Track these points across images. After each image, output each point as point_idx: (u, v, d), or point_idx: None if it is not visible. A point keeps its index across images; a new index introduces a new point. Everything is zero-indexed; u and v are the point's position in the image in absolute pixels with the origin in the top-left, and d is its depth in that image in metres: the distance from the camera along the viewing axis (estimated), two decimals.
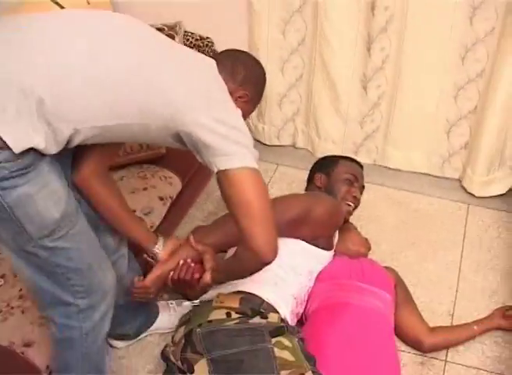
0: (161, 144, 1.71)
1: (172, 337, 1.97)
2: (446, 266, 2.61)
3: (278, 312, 1.96)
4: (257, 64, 1.90)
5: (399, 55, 2.74)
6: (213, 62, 1.69)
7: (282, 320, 1.95)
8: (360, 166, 2.53)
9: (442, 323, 2.36)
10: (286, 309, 2.03)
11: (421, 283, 2.52)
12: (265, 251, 1.61)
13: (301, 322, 2.19)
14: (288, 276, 2.10)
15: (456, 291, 2.50)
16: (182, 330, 1.92)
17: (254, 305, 1.93)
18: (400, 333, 2.27)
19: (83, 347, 1.79)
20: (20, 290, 2.00)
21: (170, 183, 2.48)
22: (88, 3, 2.41)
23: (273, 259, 1.64)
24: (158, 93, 1.53)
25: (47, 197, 1.51)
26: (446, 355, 2.26)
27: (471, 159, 2.88)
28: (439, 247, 2.70)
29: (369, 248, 2.48)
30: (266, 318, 1.90)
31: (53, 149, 1.49)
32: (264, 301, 1.97)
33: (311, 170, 2.55)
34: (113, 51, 1.51)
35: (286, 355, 1.79)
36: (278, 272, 2.06)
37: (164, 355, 1.95)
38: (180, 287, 2.02)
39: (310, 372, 1.77)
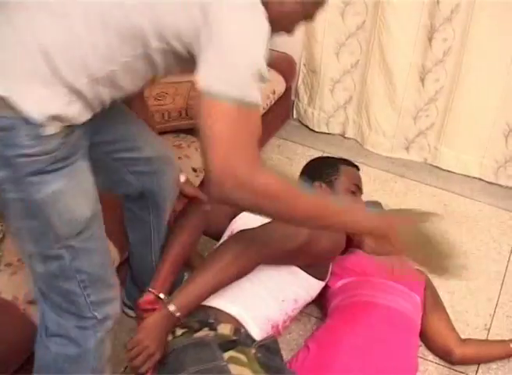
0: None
1: None
2: (488, 277, 2.44)
3: (231, 323, 1.70)
4: None
5: (462, 47, 2.61)
6: None
7: (237, 331, 1.69)
8: (358, 169, 2.29)
9: (477, 336, 2.20)
10: (255, 327, 1.77)
11: (458, 291, 2.36)
12: (216, 169, 1.29)
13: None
14: (270, 299, 1.86)
15: (496, 304, 2.34)
16: None
17: (203, 317, 1.68)
18: (428, 341, 2.12)
19: (94, 360, 1.58)
20: None
21: None
22: None
23: (226, 184, 1.29)
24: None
25: (79, 194, 1.41)
26: (477, 371, 2.10)
27: None
28: (483, 255, 2.54)
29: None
30: (215, 330, 1.65)
31: (85, 116, 1.36)
32: (217, 311, 1.72)
33: (306, 173, 2.25)
34: None
35: (247, 373, 1.55)
36: (260, 292, 1.84)
37: None
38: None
39: None
